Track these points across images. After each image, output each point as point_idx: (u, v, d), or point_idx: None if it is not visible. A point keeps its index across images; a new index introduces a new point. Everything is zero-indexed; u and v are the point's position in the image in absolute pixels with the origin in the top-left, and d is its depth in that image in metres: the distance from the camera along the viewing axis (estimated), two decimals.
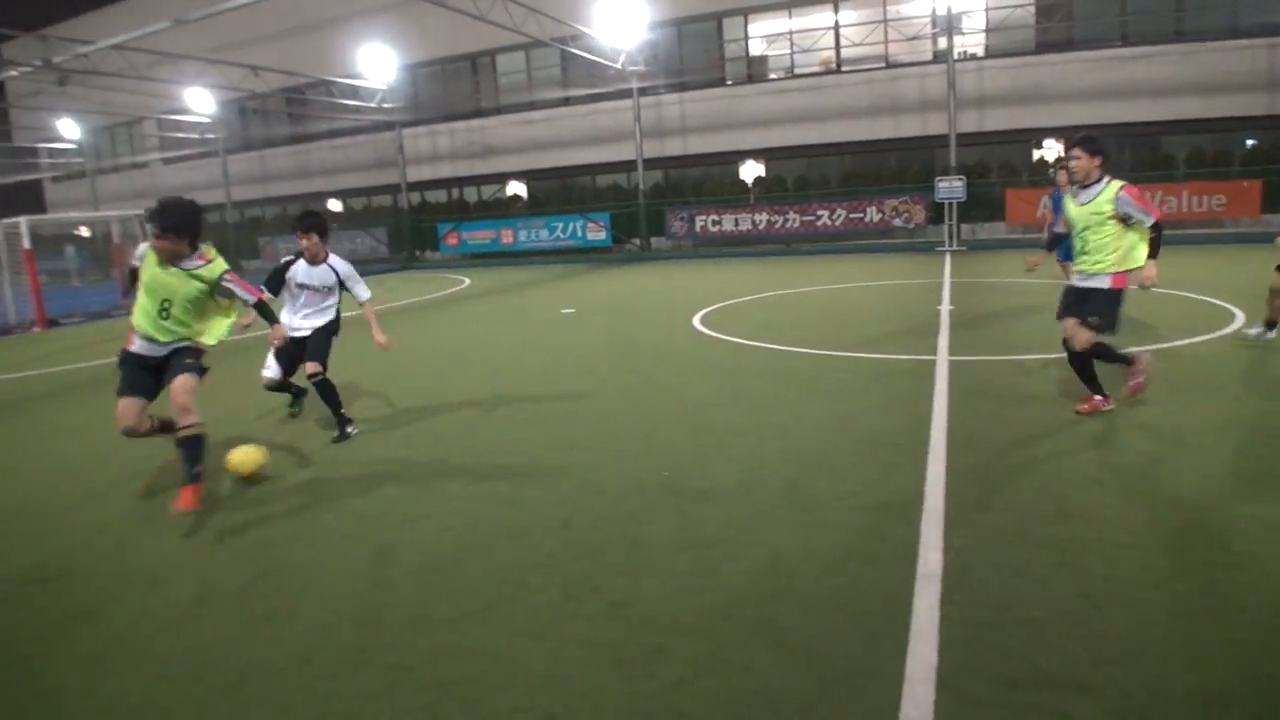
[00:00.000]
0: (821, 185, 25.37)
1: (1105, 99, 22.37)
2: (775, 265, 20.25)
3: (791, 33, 26.12)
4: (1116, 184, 5.47)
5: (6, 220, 18.57)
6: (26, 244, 17.65)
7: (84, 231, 34.29)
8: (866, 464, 4.88)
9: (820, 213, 23.65)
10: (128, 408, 4.76)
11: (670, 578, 3.52)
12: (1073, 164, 5.61)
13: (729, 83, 27.25)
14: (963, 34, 23.64)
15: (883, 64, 25.03)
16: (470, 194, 32.36)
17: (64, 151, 40.71)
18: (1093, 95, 22.45)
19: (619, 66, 25.45)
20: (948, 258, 18.99)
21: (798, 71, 26.32)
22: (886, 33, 24.74)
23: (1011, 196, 21.84)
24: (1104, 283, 5.49)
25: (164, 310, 4.75)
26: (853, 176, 25.03)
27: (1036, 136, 23.88)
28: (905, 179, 24.03)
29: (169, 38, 22.07)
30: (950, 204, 21.27)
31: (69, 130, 35.50)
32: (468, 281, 21.33)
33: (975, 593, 3.21)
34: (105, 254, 28.36)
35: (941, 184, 21.32)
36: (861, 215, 23.17)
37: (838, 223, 23.42)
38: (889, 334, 9.26)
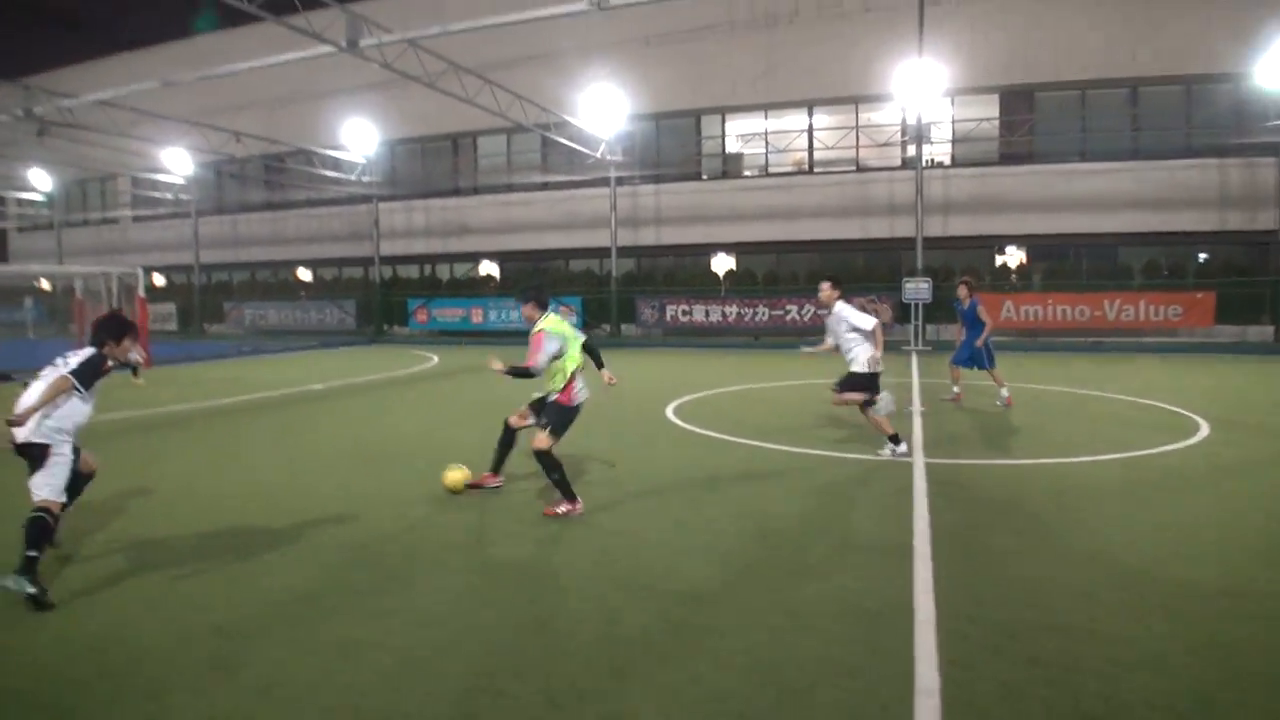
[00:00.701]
0: (791, 281, 25.85)
1: (1065, 210, 23.26)
2: (744, 357, 20.42)
3: (767, 133, 26.97)
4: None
5: None
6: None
7: (44, 284, 33.77)
8: (852, 568, 4.81)
9: (789, 307, 24.03)
10: None
11: (660, 689, 3.39)
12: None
13: (704, 177, 27.93)
14: (931, 143, 24.59)
15: (854, 167, 25.86)
16: (443, 271, 32.48)
17: (32, 202, 40.26)
18: (1053, 206, 23.37)
19: (598, 155, 25.99)
20: (914, 357, 19.29)
21: (771, 170, 27.08)
22: (858, 138, 25.62)
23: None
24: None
25: None
26: (822, 274, 25.51)
27: (999, 243, 24.71)
28: (873, 278, 24.58)
29: (154, 98, 22.21)
30: (916, 304, 21.75)
31: (40, 181, 35.17)
32: (435, 359, 21.19)
33: (975, 712, 3.13)
34: (65, 308, 27.90)
35: (908, 285, 21.83)
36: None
37: (806, 318, 23.77)
38: (864, 433, 9.29)
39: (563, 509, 6.00)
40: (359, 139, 27.42)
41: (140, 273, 20.90)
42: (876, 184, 25.31)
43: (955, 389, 11.96)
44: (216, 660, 3.68)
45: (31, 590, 4.27)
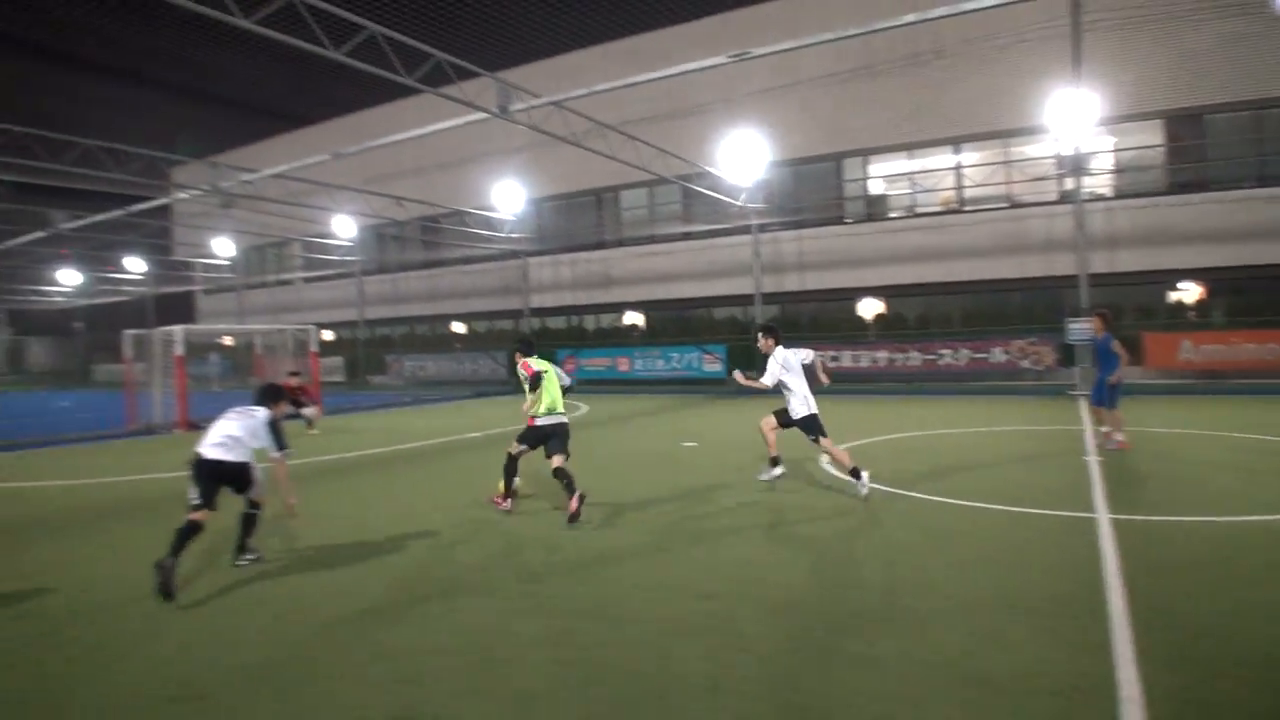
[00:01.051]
0: (943, 324, 25.00)
1: (1245, 240, 21.57)
2: (898, 405, 19.78)
3: (912, 173, 26.40)
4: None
5: (163, 328, 20.03)
6: (179, 350, 18.92)
7: (228, 341, 36.62)
8: (1043, 637, 4.50)
9: (943, 352, 23.21)
10: None
11: None
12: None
13: (848, 220, 27.54)
14: (1090, 174, 23.40)
15: (1006, 204, 24.91)
16: (589, 321, 33.22)
17: (216, 267, 44.08)
18: (1231, 236, 21.70)
19: (739, 203, 26.10)
20: (1082, 403, 18.18)
21: (918, 210, 26.43)
22: (1009, 173, 24.71)
23: (1149, 340, 21.02)
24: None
25: None
26: (976, 316, 24.61)
27: (1172, 278, 23.12)
28: (1031, 319, 23.45)
29: (325, 169, 23.92)
30: (1082, 346, 20.57)
31: (224, 248, 38.40)
32: (585, 408, 21.58)
33: None
34: (247, 363, 30.09)
35: (1073, 325, 20.68)
36: (986, 356, 22.62)
37: (961, 363, 22.90)
38: (1036, 486, 8.80)
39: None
40: (508, 198, 28.58)
41: (312, 329, 22.38)
42: (1032, 220, 24.27)
43: (1118, 436, 11.21)
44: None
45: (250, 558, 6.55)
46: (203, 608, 5.53)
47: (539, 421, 8.24)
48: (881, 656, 4.31)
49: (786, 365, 8.85)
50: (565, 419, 8.42)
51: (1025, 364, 22.25)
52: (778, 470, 9.00)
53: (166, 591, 5.56)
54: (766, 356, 8.97)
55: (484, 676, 4.23)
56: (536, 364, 8.43)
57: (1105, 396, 11.32)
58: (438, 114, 19.85)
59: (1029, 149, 24.65)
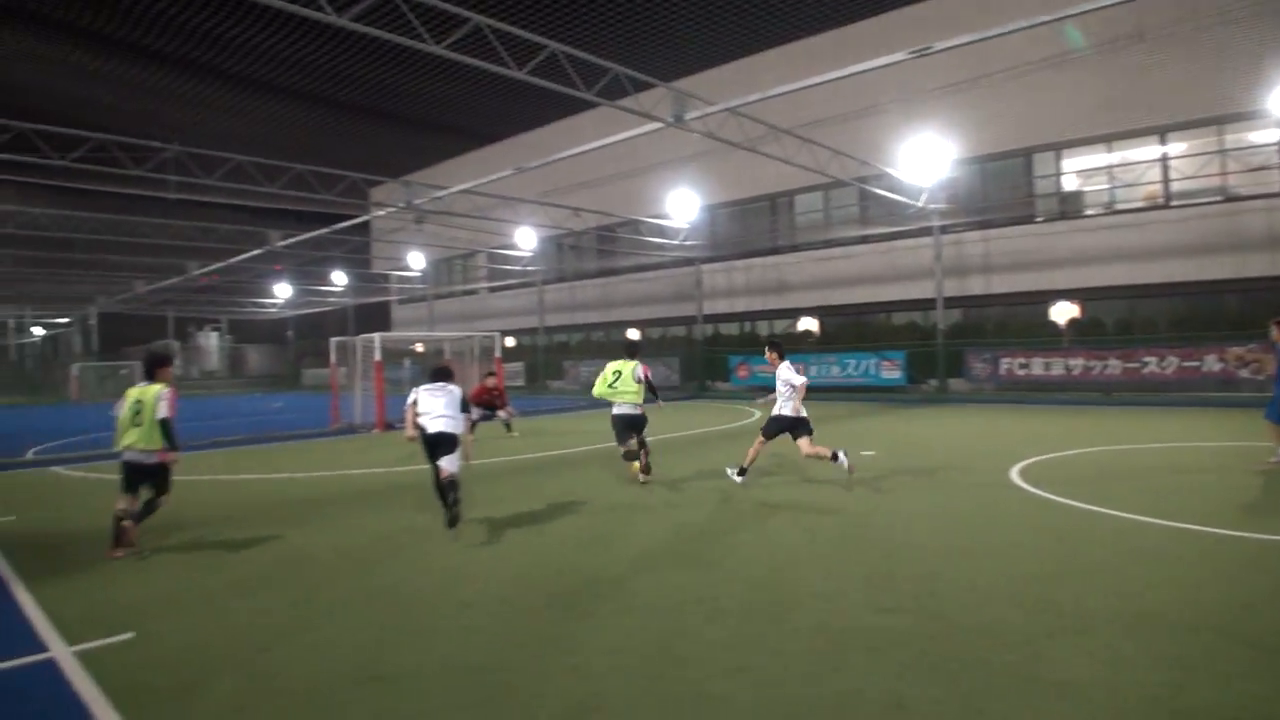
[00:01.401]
0: (1147, 329, 23.07)
1: None
2: (1095, 416, 18.45)
3: (1111, 166, 24.57)
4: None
5: (363, 336, 21.55)
6: (378, 356, 20.30)
7: (419, 347, 38.96)
8: (1261, 674, 4.07)
9: (1147, 359, 21.44)
10: None
11: None
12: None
13: (1039, 219, 25.99)
14: None
15: (1220, 197, 22.74)
16: (762, 327, 32.98)
17: (410, 278, 47.05)
18: None
19: (920, 204, 25.16)
20: None
21: (1118, 207, 24.57)
22: (1224, 163, 22.55)
23: None
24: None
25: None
26: (1186, 320, 22.54)
27: None
28: (1252, 324, 21.22)
29: (507, 183, 24.95)
30: None
31: (416, 261, 40.90)
32: (757, 414, 21.43)
33: None
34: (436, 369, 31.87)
35: None
36: (1198, 364, 20.72)
37: (1168, 371, 21.09)
38: (1259, 508, 7.97)
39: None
40: (682, 206, 28.80)
41: (497, 336, 23.43)
42: (1251, 214, 22.03)
43: None
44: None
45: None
46: (394, 592, 5.88)
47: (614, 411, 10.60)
48: (1074, 683, 4.02)
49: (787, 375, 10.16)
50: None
51: (1243, 373, 20.20)
52: (842, 460, 9.87)
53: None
54: (780, 365, 10.30)
55: (662, 675, 4.26)
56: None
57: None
58: (614, 125, 20.29)
59: (1246, 136, 22.43)
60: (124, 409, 7.55)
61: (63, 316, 57.93)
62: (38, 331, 59.44)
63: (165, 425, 7.48)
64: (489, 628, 5.16)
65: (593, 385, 10.95)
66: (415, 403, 8.28)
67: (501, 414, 17.53)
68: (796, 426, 9.99)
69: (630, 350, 10.91)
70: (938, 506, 8.55)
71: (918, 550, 6.75)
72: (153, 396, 7.52)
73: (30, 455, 16.35)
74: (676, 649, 4.67)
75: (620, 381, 10.55)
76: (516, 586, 6.08)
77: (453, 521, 7.72)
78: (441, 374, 8.60)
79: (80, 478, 13.12)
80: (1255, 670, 4.12)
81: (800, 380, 9.96)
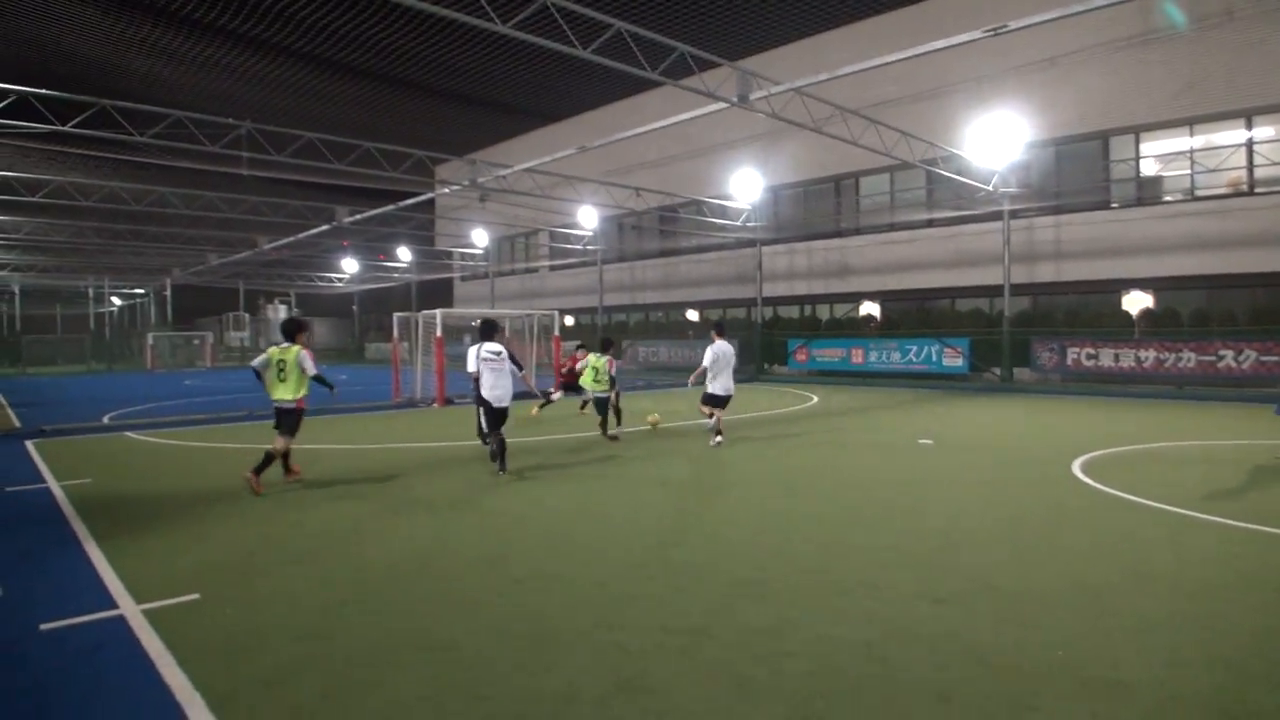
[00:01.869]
0: (1226, 321, 22.19)
1: None
2: (1166, 410, 17.86)
3: (1192, 150, 23.64)
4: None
5: (425, 312, 21.88)
6: (439, 332, 20.61)
7: (478, 324, 39.50)
8: None
9: (1224, 353, 20.66)
10: None
11: None
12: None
13: (1114, 205, 25.17)
14: None
15: None
16: (823, 311, 32.61)
17: (472, 256, 47.60)
18: None
19: (990, 188, 24.56)
20: None
21: (1199, 193, 23.64)
22: None
23: None
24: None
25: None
26: (1266, 313, 21.62)
27: None
28: None
29: (570, 162, 25.02)
30: None
31: (479, 239, 41.36)
32: (815, 399, 21.26)
33: None
34: None
35: None
36: (1277, 359, 19.91)
37: (1245, 365, 20.31)
38: None
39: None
40: (745, 187, 28.53)
41: (555, 314, 23.61)
42: None
43: None
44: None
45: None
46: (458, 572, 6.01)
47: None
48: (1128, 682, 3.93)
49: (719, 354, 12.45)
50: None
51: None
52: (719, 438, 12.34)
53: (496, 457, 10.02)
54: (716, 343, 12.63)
55: (704, 656, 4.28)
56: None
57: None
58: (678, 105, 20.16)
59: None
60: (271, 367, 9.23)
61: (139, 288, 59.95)
62: (116, 301, 61.62)
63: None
64: (537, 603, 5.24)
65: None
66: (479, 374, 10.18)
67: (555, 396, 17.20)
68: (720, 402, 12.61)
69: (603, 345, 13.52)
70: (996, 499, 8.40)
71: (973, 543, 6.65)
72: (293, 357, 9.20)
73: (106, 420, 16.99)
74: (718, 631, 4.69)
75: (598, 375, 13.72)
76: (566, 562, 6.15)
77: (504, 468, 9.96)
78: (490, 329, 10.46)
79: (153, 443, 13.62)
80: None
81: (706, 361, 12.45)
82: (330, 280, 57.70)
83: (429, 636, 4.66)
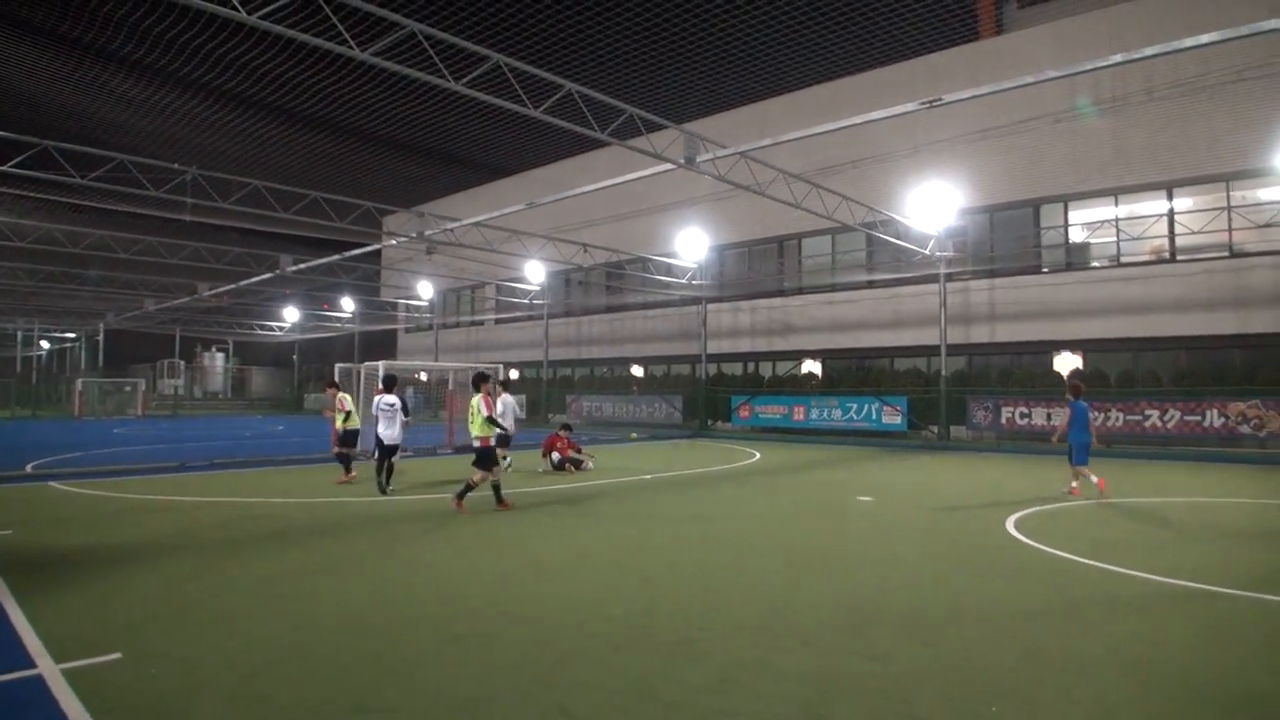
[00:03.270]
0: (1151, 383, 23.07)
1: None
2: (1096, 467, 18.34)
3: (1118, 219, 24.73)
4: None
5: (368, 363, 21.64)
6: (380, 384, 20.34)
7: (423, 376, 39.12)
8: None
9: (1149, 413, 21.45)
10: None
11: None
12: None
13: (1045, 270, 26.14)
14: None
15: (1226, 253, 22.87)
16: (765, 369, 33.05)
17: (417, 307, 47.38)
18: None
19: (926, 252, 25.34)
20: None
21: (1124, 260, 24.70)
22: (1231, 220, 22.70)
23: None
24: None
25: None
26: (1189, 375, 22.53)
27: None
28: (1255, 380, 21.25)
29: (518, 217, 25.23)
30: None
31: (425, 291, 41.23)
32: (757, 455, 21.43)
33: None
34: (440, 397, 31.97)
35: None
36: (1199, 419, 20.72)
37: (1169, 424, 21.09)
38: (1261, 568, 7.96)
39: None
40: (691, 246, 29.02)
41: (500, 368, 23.50)
42: (1258, 270, 22.15)
43: None
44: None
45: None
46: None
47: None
48: None
49: (505, 406, 14.27)
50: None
51: (1245, 429, 20.21)
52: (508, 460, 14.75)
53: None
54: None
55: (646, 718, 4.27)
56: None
57: None
58: (627, 165, 20.55)
59: (1254, 194, 22.61)
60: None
61: (70, 331, 58.27)
62: (45, 345, 59.74)
63: (489, 420, 11.30)
64: (477, 663, 5.18)
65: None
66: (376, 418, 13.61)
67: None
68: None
69: (475, 382, 12.25)
70: (933, 556, 8.55)
71: (910, 599, 6.75)
72: (475, 402, 11.38)
73: (29, 469, 16.40)
74: (660, 691, 4.68)
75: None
76: (506, 621, 6.09)
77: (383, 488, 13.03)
78: (390, 383, 13.84)
79: (79, 494, 13.17)
80: None
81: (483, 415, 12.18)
82: (270, 329, 56.80)
83: (365, 698, 4.56)
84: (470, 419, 11.57)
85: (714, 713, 4.36)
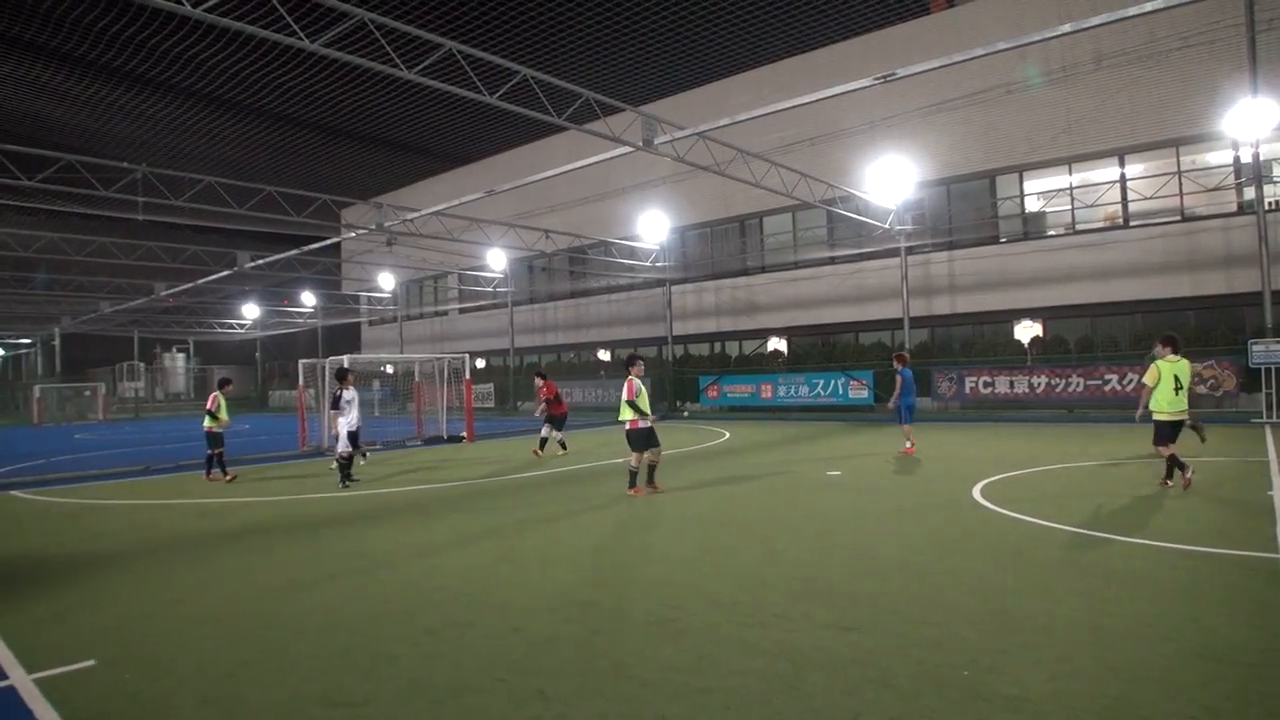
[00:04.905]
0: (1109, 347, 23.51)
1: None
2: (1057, 433, 18.76)
3: (1072, 188, 25.10)
4: None
5: (332, 358, 21.39)
6: (343, 390, 20.14)
7: (389, 369, 38.82)
8: (1210, 685, 4.19)
9: (1109, 377, 21.86)
10: None
11: None
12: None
13: (1003, 240, 26.48)
14: (1274, 182, 21.69)
15: (1178, 217, 23.31)
16: (732, 348, 33.20)
17: (380, 300, 46.95)
18: None
19: (886, 226, 25.55)
20: (1268, 431, 16.74)
21: (1079, 227, 25.10)
22: (1181, 184, 23.12)
23: None
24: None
25: None
26: (1145, 338, 22.94)
27: None
28: (1209, 341, 21.73)
29: (479, 205, 25.06)
30: (1268, 370, 18.99)
31: (386, 283, 40.85)
32: (727, 435, 21.56)
33: None
34: (406, 389, 31.77)
35: (1257, 347, 19.14)
36: None
37: (1129, 388, 21.49)
38: (1209, 522, 8.19)
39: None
40: (652, 228, 29.00)
41: (466, 358, 23.41)
42: (1207, 233, 22.63)
43: None
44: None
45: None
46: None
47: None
48: (1028, 696, 4.13)
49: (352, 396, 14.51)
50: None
51: (1202, 389, 20.66)
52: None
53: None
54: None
55: (623, 697, 4.32)
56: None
57: None
58: (586, 149, 20.48)
59: (1203, 158, 23.05)
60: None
61: (25, 337, 57.03)
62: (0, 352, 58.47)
63: (629, 404, 11.20)
64: (452, 654, 5.20)
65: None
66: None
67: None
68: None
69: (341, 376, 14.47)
70: (902, 526, 8.69)
71: (880, 569, 6.86)
72: (636, 385, 11.20)
73: None
74: (637, 671, 4.73)
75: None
76: (480, 611, 6.11)
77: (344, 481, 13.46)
78: (342, 374, 14.57)
79: (42, 501, 12.96)
80: (1205, 681, 4.25)
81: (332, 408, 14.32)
82: (231, 327, 55.98)
83: (340, 694, 4.56)
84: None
85: (692, 690, 4.41)
